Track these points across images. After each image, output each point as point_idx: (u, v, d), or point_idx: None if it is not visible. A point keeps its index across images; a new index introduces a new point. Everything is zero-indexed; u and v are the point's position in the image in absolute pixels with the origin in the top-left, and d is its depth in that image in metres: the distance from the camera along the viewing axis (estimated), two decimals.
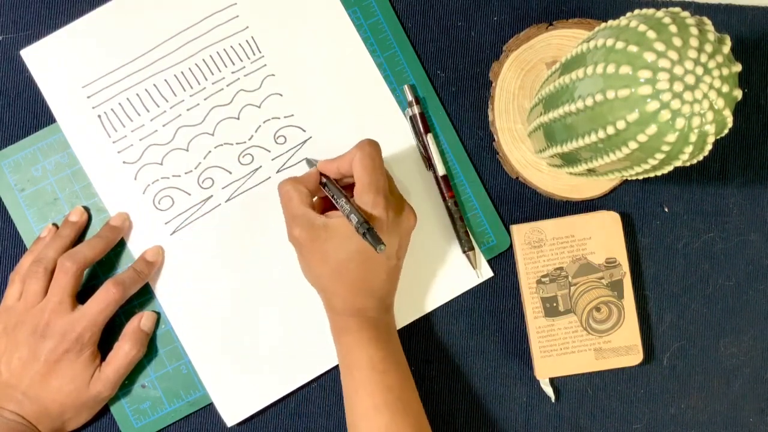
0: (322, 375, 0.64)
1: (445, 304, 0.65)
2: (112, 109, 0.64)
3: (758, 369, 0.67)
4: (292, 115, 0.65)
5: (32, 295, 0.59)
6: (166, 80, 0.64)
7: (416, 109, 0.65)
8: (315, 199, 0.61)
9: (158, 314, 0.64)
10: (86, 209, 0.64)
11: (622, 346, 0.64)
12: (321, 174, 0.60)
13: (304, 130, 0.65)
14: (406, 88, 0.65)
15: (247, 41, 0.65)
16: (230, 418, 0.63)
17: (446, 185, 0.65)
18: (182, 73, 0.64)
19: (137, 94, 0.64)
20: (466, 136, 0.66)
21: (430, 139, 0.65)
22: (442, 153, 0.65)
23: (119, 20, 0.64)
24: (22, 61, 0.64)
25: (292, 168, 0.65)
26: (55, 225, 0.63)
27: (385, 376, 0.57)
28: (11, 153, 0.64)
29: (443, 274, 0.65)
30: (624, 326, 0.64)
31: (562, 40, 0.65)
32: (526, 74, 0.65)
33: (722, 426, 0.67)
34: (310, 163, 0.64)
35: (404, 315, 0.65)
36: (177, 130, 0.64)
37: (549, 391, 0.65)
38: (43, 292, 0.60)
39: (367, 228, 0.54)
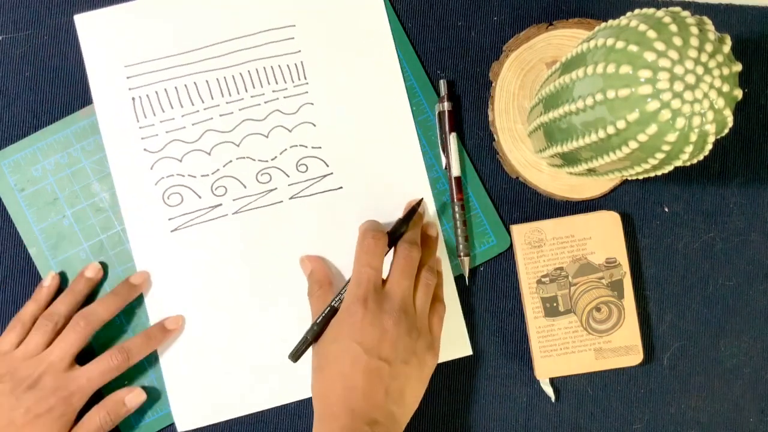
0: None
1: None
2: (147, 95, 0.64)
3: (758, 369, 0.67)
4: (320, 148, 0.65)
5: (34, 346, 0.59)
6: (207, 81, 0.64)
7: (446, 106, 0.65)
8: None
9: (147, 394, 0.62)
10: (103, 266, 0.63)
11: (622, 346, 0.64)
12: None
13: (327, 165, 0.65)
14: (441, 82, 0.65)
15: (296, 64, 0.65)
16: (182, 424, 0.63)
17: (458, 187, 0.65)
18: (224, 78, 0.64)
19: (175, 87, 0.64)
20: (466, 136, 0.66)
21: (452, 138, 0.65)
22: (461, 156, 0.65)
23: (178, 10, 0.64)
24: (22, 60, 0.64)
25: (305, 198, 0.64)
26: (59, 274, 0.63)
27: None
28: (11, 153, 0.64)
29: None
30: (624, 326, 0.64)
31: (562, 40, 0.65)
32: (526, 74, 0.65)
33: (722, 426, 0.67)
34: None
35: None
36: (204, 133, 0.64)
37: (549, 391, 0.65)
38: (45, 345, 0.59)
39: (309, 341, 0.59)
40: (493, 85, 0.66)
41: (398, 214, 0.64)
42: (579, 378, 0.66)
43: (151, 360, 0.63)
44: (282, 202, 0.64)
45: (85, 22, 0.64)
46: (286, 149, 0.65)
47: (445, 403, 0.65)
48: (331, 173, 0.65)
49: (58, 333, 0.60)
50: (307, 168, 0.65)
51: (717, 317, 0.67)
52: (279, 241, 0.64)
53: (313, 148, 0.65)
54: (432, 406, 0.65)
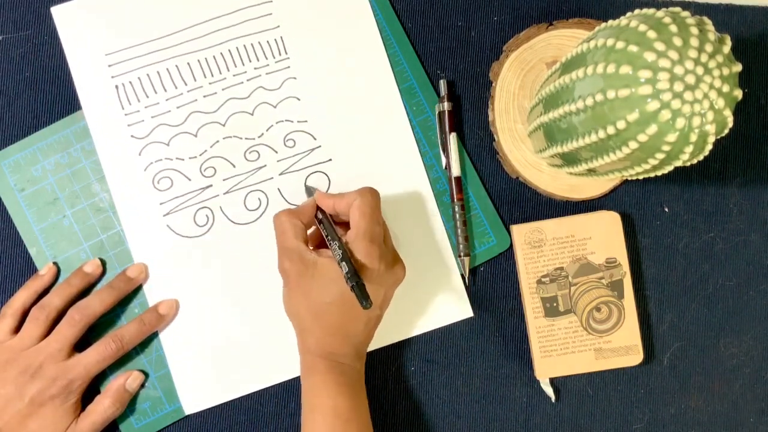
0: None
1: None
2: (130, 82, 0.64)
3: (758, 369, 0.67)
4: (306, 121, 0.65)
5: (29, 338, 0.59)
6: (188, 63, 0.64)
7: (446, 106, 0.65)
8: (311, 231, 0.60)
9: (146, 375, 0.63)
10: (102, 262, 0.63)
11: (622, 346, 0.64)
12: (318, 208, 0.60)
13: (315, 138, 0.65)
14: (441, 82, 0.65)
15: (275, 40, 0.65)
16: (189, 407, 0.63)
17: (458, 187, 0.65)
18: (206, 59, 0.65)
19: (158, 72, 0.64)
20: (466, 136, 0.66)
21: (453, 138, 0.65)
22: (461, 156, 0.65)
23: None
24: (22, 61, 0.64)
25: (295, 173, 0.65)
26: (55, 264, 0.63)
27: (348, 426, 0.56)
28: (11, 153, 0.64)
29: (431, 305, 0.65)
30: (624, 326, 0.64)
31: (562, 40, 0.65)
32: (526, 74, 0.65)
33: (722, 426, 0.67)
34: (309, 191, 0.63)
35: (392, 334, 0.65)
36: (189, 115, 0.64)
37: (549, 391, 0.65)
38: (41, 337, 0.60)
39: (357, 281, 0.52)
40: (493, 85, 0.66)
41: (388, 180, 0.65)
42: (579, 378, 0.66)
43: (150, 358, 0.63)
44: (272, 178, 0.65)
45: (62, 14, 0.64)
46: (272, 125, 0.65)
47: (445, 403, 0.65)
48: (319, 146, 0.65)
49: (51, 324, 0.60)
50: (294, 143, 0.65)
51: (717, 317, 0.67)
52: (272, 218, 0.64)
53: (299, 122, 0.65)
54: (432, 406, 0.65)
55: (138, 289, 0.63)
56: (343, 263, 0.54)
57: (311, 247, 0.59)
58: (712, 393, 0.67)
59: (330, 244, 0.56)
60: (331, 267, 0.55)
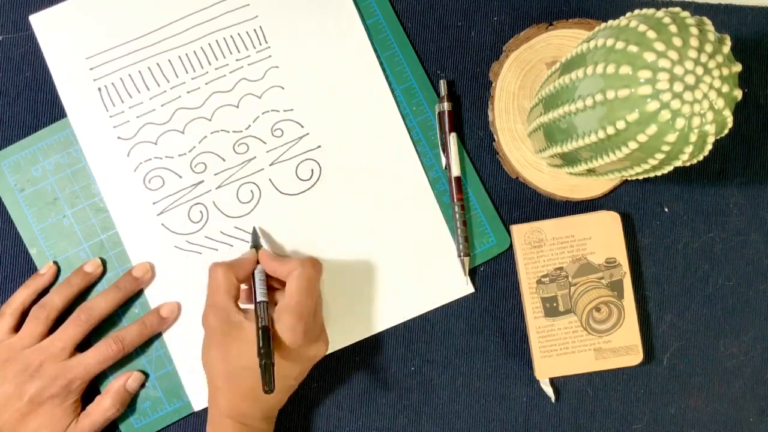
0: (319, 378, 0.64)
1: (446, 304, 0.65)
2: (113, 84, 0.64)
3: (758, 369, 0.67)
4: (292, 110, 0.65)
5: (30, 337, 0.59)
6: (169, 60, 0.64)
7: (446, 106, 0.65)
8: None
9: (146, 375, 0.63)
10: (103, 262, 0.63)
11: (622, 346, 0.64)
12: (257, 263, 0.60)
13: (302, 126, 0.65)
14: (441, 82, 0.65)
15: (255, 30, 0.65)
16: (197, 404, 0.63)
17: (458, 187, 0.65)
18: (186, 55, 0.64)
19: (139, 71, 0.64)
20: (466, 136, 0.66)
21: (452, 138, 0.65)
22: (461, 156, 0.65)
23: None
24: (22, 61, 0.64)
25: (285, 162, 0.65)
26: (55, 263, 0.63)
27: None
28: (11, 153, 0.64)
29: (430, 283, 0.65)
30: (624, 326, 0.64)
31: (562, 40, 0.65)
32: (526, 74, 0.65)
33: (722, 426, 0.67)
34: (256, 236, 0.62)
35: (382, 319, 0.65)
36: (175, 112, 0.64)
37: (549, 391, 0.65)
38: (42, 336, 0.60)
39: (267, 361, 0.52)
40: (493, 85, 0.66)
41: (378, 163, 0.65)
42: (579, 378, 0.66)
43: (150, 359, 0.63)
44: (263, 169, 0.65)
45: (41, 22, 0.64)
46: (258, 116, 0.65)
47: (445, 403, 0.65)
48: (307, 133, 0.65)
49: (51, 323, 0.60)
50: (282, 132, 0.65)
51: (717, 317, 0.67)
52: (265, 209, 0.64)
53: (285, 111, 0.65)
54: (432, 406, 0.65)
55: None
56: (260, 336, 0.53)
57: (242, 303, 0.59)
58: (712, 393, 0.67)
59: (256, 311, 0.55)
60: (255, 332, 0.54)
